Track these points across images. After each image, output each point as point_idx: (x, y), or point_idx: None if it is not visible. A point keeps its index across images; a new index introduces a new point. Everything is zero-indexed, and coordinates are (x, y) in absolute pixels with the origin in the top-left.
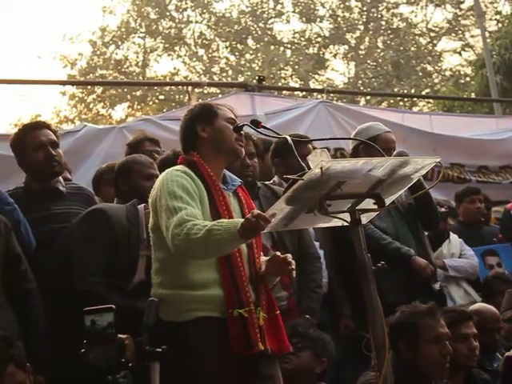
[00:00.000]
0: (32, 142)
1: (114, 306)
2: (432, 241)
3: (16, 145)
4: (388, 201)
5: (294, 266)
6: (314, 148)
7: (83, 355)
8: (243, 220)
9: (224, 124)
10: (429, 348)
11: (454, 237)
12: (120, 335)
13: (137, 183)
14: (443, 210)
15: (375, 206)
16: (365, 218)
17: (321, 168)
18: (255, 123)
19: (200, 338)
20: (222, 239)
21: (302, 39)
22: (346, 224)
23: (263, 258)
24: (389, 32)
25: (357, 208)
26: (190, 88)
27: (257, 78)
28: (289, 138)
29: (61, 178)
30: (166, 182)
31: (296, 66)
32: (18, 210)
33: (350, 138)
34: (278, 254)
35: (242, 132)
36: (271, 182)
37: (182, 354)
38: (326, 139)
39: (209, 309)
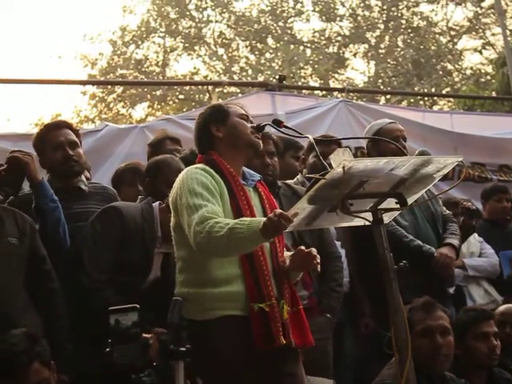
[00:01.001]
0: (51, 141)
1: (138, 306)
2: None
3: (37, 145)
4: (410, 200)
5: (318, 260)
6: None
7: (108, 354)
8: (265, 219)
9: (237, 120)
10: (417, 341)
11: (473, 236)
12: (145, 334)
13: (160, 189)
14: (470, 207)
15: (397, 206)
16: (387, 218)
17: (343, 167)
18: (277, 122)
19: (222, 337)
20: (244, 238)
21: (322, 38)
22: (368, 223)
23: (287, 254)
24: (409, 31)
25: (379, 207)
26: (210, 87)
27: (277, 77)
28: (311, 138)
29: (83, 177)
30: (186, 180)
31: (316, 65)
32: (61, 208)
33: (352, 138)
34: (303, 248)
35: (265, 125)
36: (294, 180)
37: (205, 352)
38: (331, 139)
39: (231, 307)
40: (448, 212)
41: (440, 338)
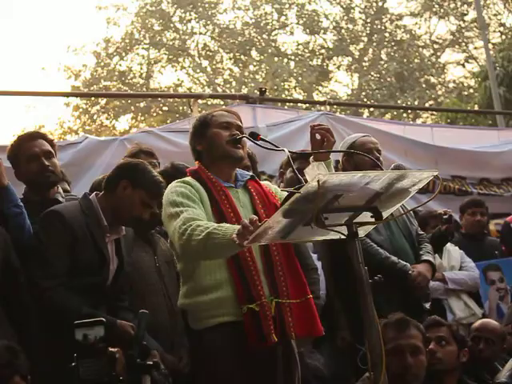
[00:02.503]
0: (26, 153)
1: (104, 319)
2: (435, 241)
3: (11, 157)
4: (385, 214)
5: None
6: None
7: (73, 369)
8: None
9: (214, 132)
10: (387, 359)
11: (454, 249)
12: (111, 348)
13: None
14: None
15: (372, 220)
16: (362, 231)
17: (318, 181)
18: (254, 135)
19: (217, 346)
20: (219, 244)
21: (306, 51)
22: (343, 237)
23: None
24: (392, 44)
25: (354, 221)
26: (192, 100)
27: (259, 90)
28: (287, 151)
29: (61, 190)
30: (166, 195)
31: (300, 78)
32: (26, 216)
33: (327, 151)
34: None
35: (235, 134)
36: None
37: (202, 362)
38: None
39: (223, 314)
40: (423, 233)
41: (410, 358)
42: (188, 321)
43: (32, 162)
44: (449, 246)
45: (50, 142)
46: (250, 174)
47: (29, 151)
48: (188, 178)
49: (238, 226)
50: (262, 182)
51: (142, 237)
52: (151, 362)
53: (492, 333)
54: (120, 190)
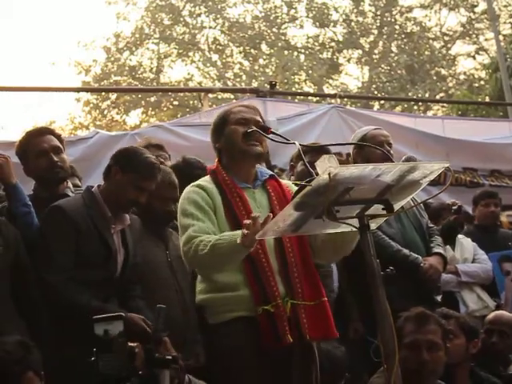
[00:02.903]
0: (34, 149)
1: (123, 314)
2: (445, 233)
3: (20, 152)
4: (397, 206)
5: None
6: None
7: (93, 363)
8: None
9: (232, 129)
10: (404, 353)
11: (467, 241)
12: (130, 343)
13: (152, 204)
14: (456, 206)
15: (384, 212)
16: (374, 224)
17: (329, 174)
18: (264, 129)
19: (233, 338)
20: (225, 253)
21: (316, 44)
22: (354, 230)
23: None
24: (403, 36)
25: (365, 214)
26: (202, 94)
27: (269, 83)
28: (298, 144)
29: (70, 185)
30: (181, 200)
31: (310, 71)
32: (34, 215)
33: (338, 144)
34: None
35: (250, 130)
36: None
37: (219, 353)
38: (317, 146)
39: (240, 309)
40: (433, 225)
41: (427, 354)
42: (206, 315)
43: (41, 157)
44: (461, 238)
45: (59, 137)
46: (270, 172)
47: (37, 147)
48: (204, 181)
49: (238, 232)
50: (282, 182)
51: (155, 232)
52: (170, 357)
53: (506, 325)
54: (112, 176)
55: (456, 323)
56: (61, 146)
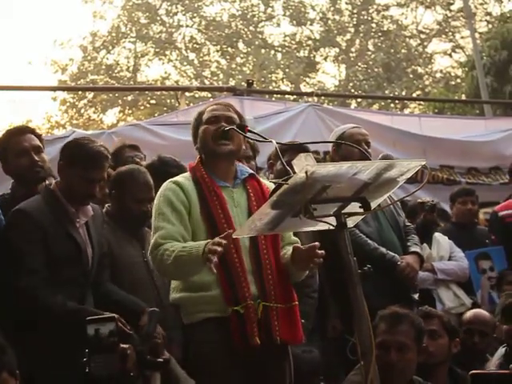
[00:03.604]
0: (15, 148)
1: (116, 316)
2: (420, 231)
3: (0, 152)
4: (374, 204)
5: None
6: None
7: (84, 364)
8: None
9: (203, 129)
10: (376, 352)
11: (443, 239)
12: (122, 345)
13: (128, 204)
14: (429, 203)
15: (361, 210)
16: (351, 222)
17: (306, 172)
18: (241, 127)
19: (204, 338)
20: (187, 265)
21: (293, 42)
22: (331, 228)
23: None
24: (379, 34)
25: (342, 212)
26: (179, 93)
27: (246, 82)
28: (274, 143)
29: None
30: (157, 197)
31: (287, 69)
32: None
33: (314, 142)
34: (299, 245)
35: (220, 127)
36: None
37: (192, 353)
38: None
39: (211, 310)
40: (409, 224)
41: (395, 355)
42: (181, 314)
43: (22, 156)
44: (438, 236)
45: (39, 136)
46: (250, 171)
47: (18, 146)
48: (182, 177)
49: (202, 242)
50: (263, 181)
51: (131, 232)
52: (161, 360)
53: (485, 325)
54: (61, 171)
55: (439, 322)
56: (41, 145)
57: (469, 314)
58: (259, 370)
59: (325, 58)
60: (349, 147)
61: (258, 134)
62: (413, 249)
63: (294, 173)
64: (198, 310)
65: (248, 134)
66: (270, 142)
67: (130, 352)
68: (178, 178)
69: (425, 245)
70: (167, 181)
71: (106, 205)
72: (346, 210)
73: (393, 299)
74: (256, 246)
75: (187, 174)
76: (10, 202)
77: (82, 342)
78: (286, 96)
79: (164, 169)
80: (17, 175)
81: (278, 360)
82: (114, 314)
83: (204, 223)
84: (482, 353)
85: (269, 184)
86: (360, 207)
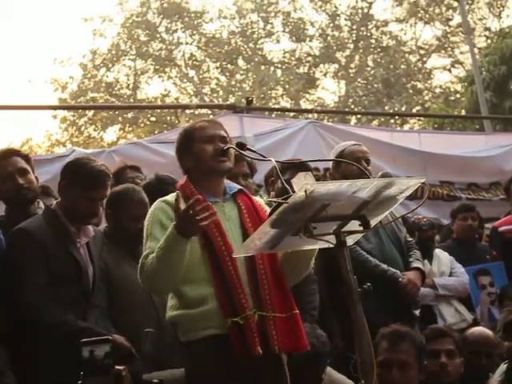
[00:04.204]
0: (0, 173)
1: (110, 338)
2: (420, 248)
3: None
4: (373, 222)
5: None
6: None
7: None
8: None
9: (201, 147)
10: (377, 370)
11: (444, 255)
12: (117, 366)
13: (123, 223)
14: (424, 221)
15: (361, 228)
16: (350, 240)
17: (305, 191)
18: (240, 145)
19: (204, 358)
20: (165, 248)
21: (292, 59)
22: (331, 246)
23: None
24: (379, 50)
25: (342, 230)
26: (179, 110)
27: (245, 99)
28: (273, 161)
29: (42, 204)
30: (147, 216)
31: (287, 86)
32: (2, 237)
33: (314, 160)
34: None
35: (221, 147)
36: None
37: (191, 373)
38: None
39: (209, 326)
40: (411, 239)
41: (397, 373)
42: (178, 333)
43: (7, 181)
44: (438, 252)
45: (25, 157)
46: (239, 187)
47: (3, 171)
48: (172, 197)
49: (170, 228)
50: (253, 197)
51: (128, 251)
52: (157, 381)
53: (492, 346)
54: (63, 192)
55: (453, 341)
56: (27, 166)
57: (474, 333)
58: (257, 380)
59: (324, 74)
60: (349, 165)
61: (257, 152)
62: (414, 264)
63: (294, 191)
64: (195, 328)
65: (246, 153)
66: (269, 160)
67: (125, 374)
68: (167, 197)
69: (425, 261)
70: (157, 200)
71: (103, 225)
72: (345, 228)
73: (394, 316)
74: (252, 258)
75: (172, 196)
76: (6, 224)
77: (78, 363)
78: (286, 113)
79: (161, 187)
80: (5, 199)
81: (275, 372)
82: (109, 336)
83: (198, 238)
84: (487, 373)
85: (259, 199)
86: (360, 225)
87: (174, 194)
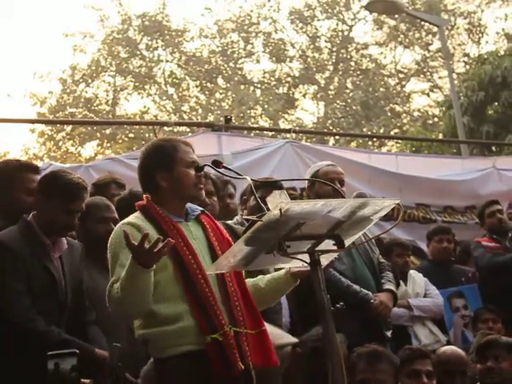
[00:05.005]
0: None
1: (77, 351)
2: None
3: None
4: (348, 242)
5: None
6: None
7: None
8: None
9: (183, 171)
10: None
11: (418, 276)
12: (83, 379)
13: (92, 228)
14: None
15: (335, 247)
16: (324, 259)
17: (280, 209)
18: (216, 163)
19: (180, 375)
20: (128, 279)
21: (272, 79)
22: (305, 265)
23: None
24: (358, 73)
25: (316, 249)
26: (157, 127)
27: (224, 118)
28: (249, 179)
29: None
30: (111, 240)
31: (266, 106)
32: None
33: (289, 180)
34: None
35: (201, 173)
36: (234, 221)
37: None
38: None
39: (185, 342)
40: (384, 261)
41: None
42: (148, 349)
43: None
44: (413, 273)
45: None
46: (201, 208)
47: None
48: (135, 218)
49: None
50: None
51: (99, 260)
52: None
53: (464, 364)
54: (40, 205)
55: (431, 363)
56: None
57: (446, 353)
58: None
59: (304, 95)
60: (323, 185)
61: (233, 171)
62: (386, 286)
63: (267, 209)
64: (170, 344)
65: (222, 170)
66: (245, 178)
67: None
68: (130, 220)
69: (400, 281)
70: (122, 222)
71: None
72: (319, 248)
73: (366, 337)
74: (222, 276)
75: (138, 214)
76: None
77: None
78: (265, 132)
79: (135, 202)
80: None
81: None
82: (75, 350)
83: (169, 258)
84: None
85: (220, 223)
86: (334, 244)
87: (136, 214)
